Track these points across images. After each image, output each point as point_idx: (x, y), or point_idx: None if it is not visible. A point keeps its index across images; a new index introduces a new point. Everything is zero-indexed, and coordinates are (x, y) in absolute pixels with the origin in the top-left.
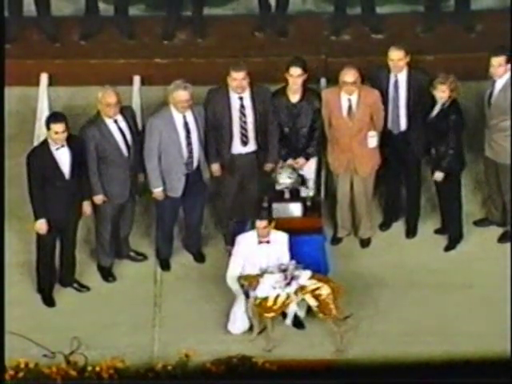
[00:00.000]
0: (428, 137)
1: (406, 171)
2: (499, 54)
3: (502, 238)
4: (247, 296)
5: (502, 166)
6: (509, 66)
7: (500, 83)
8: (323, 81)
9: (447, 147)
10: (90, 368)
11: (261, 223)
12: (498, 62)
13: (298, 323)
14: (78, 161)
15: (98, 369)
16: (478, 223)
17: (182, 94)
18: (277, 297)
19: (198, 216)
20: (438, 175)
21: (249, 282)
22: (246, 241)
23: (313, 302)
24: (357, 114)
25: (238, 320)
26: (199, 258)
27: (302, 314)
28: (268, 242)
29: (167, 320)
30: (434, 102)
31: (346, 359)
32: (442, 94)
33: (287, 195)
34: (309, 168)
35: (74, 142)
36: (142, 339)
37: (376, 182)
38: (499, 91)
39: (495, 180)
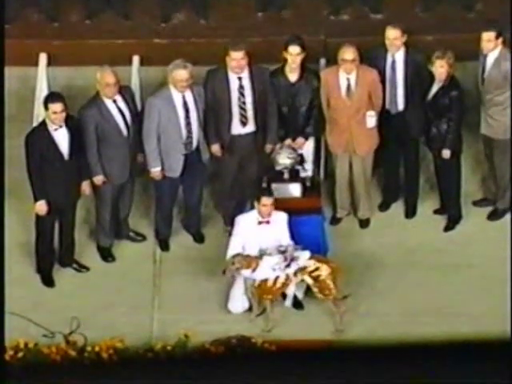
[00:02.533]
0: (427, 116)
1: (404, 151)
2: (489, 29)
3: (492, 215)
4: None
5: (498, 143)
6: (499, 40)
7: (491, 58)
8: (322, 61)
9: (449, 124)
10: (89, 348)
11: (267, 200)
12: (488, 37)
13: (297, 304)
14: (76, 141)
15: (97, 349)
16: (476, 203)
17: (181, 73)
18: (276, 278)
19: (197, 196)
20: (446, 153)
21: (247, 264)
22: (246, 221)
23: (312, 283)
24: (355, 93)
25: (238, 300)
26: (198, 238)
27: (300, 294)
28: (268, 222)
29: (166, 300)
30: (432, 80)
31: (345, 339)
32: (440, 69)
33: (286, 175)
34: (308, 148)
35: (72, 123)
36: (141, 319)
37: (375, 162)
38: (491, 66)
39: (491, 158)
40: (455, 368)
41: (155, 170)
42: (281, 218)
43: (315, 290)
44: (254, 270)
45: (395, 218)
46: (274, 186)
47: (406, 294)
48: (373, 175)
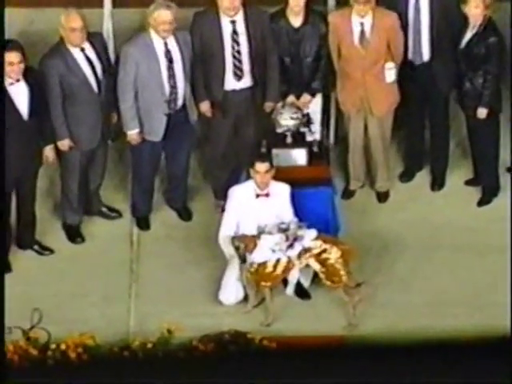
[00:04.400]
0: (459, 67)
1: (430, 110)
2: None
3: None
4: (243, 261)
5: None
6: None
7: None
8: (331, 2)
9: (486, 78)
10: (53, 346)
11: (261, 167)
12: None
13: (301, 293)
14: (37, 98)
15: (63, 347)
16: None
17: (164, 14)
18: (277, 262)
19: (183, 165)
20: (481, 111)
21: (244, 245)
22: (241, 194)
23: (319, 268)
24: (371, 41)
25: (231, 289)
26: (184, 214)
27: (306, 281)
28: (267, 194)
29: (146, 289)
30: (465, 24)
31: (358, 335)
32: (474, 10)
33: (289, 140)
34: (315, 107)
35: (32, 76)
36: (116, 311)
37: (395, 123)
38: None
39: None
40: (491, 366)
41: (132, 133)
42: (282, 191)
43: (322, 276)
44: (250, 252)
45: (419, 191)
46: (274, 152)
47: (432, 280)
48: (392, 139)
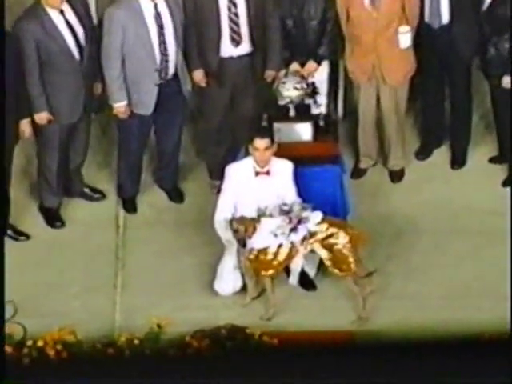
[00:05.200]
0: (483, 31)
1: (450, 79)
2: None
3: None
4: (243, 245)
5: None
6: None
7: None
8: None
9: None
10: (29, 342)
11: (261, 143)
12: None
13: (306, 283)
14: (12, 66)
15: (40, 343)
16: None
17: None
18: (279, 247)
19: (175, 140)
20: (508, 80)
21: (244, 228)
22: (239, 172)
23: (325, 255)
24: (383, 1)
25: (228, 278)
26: (176, 196)
27: (311, 270)
28: (268, 172)
29: (133, 278)
30: None
31: (369, 330)
32: None
33: (293, 112)
34: (321, 75)
35: (6, 41)
36: (100, 304)
37: (410, 94)
38: None
39: None
40: None
41: (119, 105)
42: (285, 168)
43: (328, 263)
44: (249, 237)
45: (438, 169)
46: (276, 126)
47: (451, 269)
48: (408, 111)
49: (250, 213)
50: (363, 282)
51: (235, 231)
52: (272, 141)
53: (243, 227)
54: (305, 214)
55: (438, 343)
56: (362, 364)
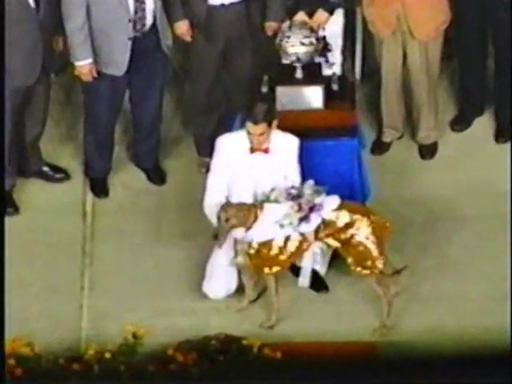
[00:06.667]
0: None
1: (494, 31)
2: None
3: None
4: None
5: None
6: None
7: None
8: None
9: None
10: None
11: (255, 129)
12: None
13: (316, 283)
14: None
15: None
16: None
17: None
18: (286, 240)
19: (155, 108)
20: None
21: (244, 218)
22: (232, 146)
23: (344, 249)
24: None
25: (220, 278)
26: (156, 176)
27: (322, 267)
28: (266, 150)
29: (103, 277)
30: None
31: (394, 340)
32: None
33: (300, 74)
34: (334, 28)
35: None
36: (63, 308)
37: (445, 50)
38: None
39: None
40: None
41: (83, 64)
42: (288, 145)
43: (350, 260)
44: (249, 228)
45: (478, 143)
46: (279, 90)
47: (496, 264)
48: (442, 72)
49: (247, 197)
50: (388, 281)
51: (225, 221)
52: (270, 123)
53: (241, 216)
54: (318, 199)
55: (479, 356)
56: (384, 382)
